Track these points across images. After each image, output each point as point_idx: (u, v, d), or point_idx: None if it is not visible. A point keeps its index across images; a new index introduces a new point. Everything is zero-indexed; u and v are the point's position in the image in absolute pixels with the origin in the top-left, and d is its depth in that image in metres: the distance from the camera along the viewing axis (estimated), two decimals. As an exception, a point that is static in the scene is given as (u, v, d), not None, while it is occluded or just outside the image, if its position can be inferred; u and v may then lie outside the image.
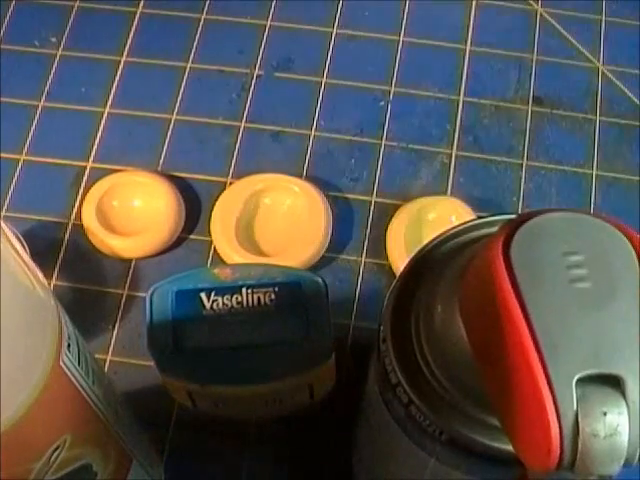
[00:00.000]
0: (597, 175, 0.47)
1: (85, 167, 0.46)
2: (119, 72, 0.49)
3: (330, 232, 0.44)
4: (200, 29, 0.51)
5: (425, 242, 0.26)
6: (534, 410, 0.19)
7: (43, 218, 0.45)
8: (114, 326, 0.42)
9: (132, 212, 0.44)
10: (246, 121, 0.48)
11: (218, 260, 0.43)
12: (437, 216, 0.44)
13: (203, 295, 0.34)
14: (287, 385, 0.35)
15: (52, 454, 0.23)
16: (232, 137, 0.47)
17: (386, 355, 0.25)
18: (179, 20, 0.51)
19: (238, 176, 0.46)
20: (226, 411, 0.37)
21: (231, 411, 0.37)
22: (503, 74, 0.50)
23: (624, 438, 0.19)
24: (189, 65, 0.50)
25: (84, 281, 0.43)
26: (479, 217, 0.27)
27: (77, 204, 0.45)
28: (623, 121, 0.49)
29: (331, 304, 0.34)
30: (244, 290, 0.34)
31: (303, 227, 0.43)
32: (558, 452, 0.18)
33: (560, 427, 0.18)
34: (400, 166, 0.47)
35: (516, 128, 0.48)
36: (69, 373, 0.23)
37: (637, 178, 0.47)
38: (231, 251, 0.42)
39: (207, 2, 0.52)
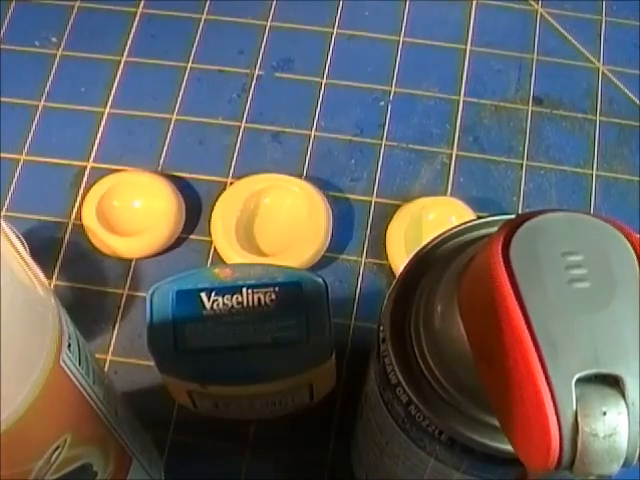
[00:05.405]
0: (597, 175, 0.47)
1: (85, 167, 0.46)
2: (119, 72, 0.49)
3: (330, 232, 0.44)
4: (200, 29, 0.51)
5: (425, 242, 0.26)
6: (533, 410, 0.19)
7: (43, 218, 0.45)
8: (114, 326, 0.42)
9: (132, 212, 0.44)
10: (246, 121, 0.48)
11: (218, 260, 0.43)
12: (437, 216, 0.44)
13: (203, 295, 0.34)
14: (287, 385, 0.35)
15: (52, 454, 0.23)
16: (232, 137, 0.47)
17: (386, 355, 0.25)
18: (179, 20, 0.51)
19: (238, 176, 0.46)
20: (226, 411, 0.37)
21: (231, 411, 0.38)
22: (503, 74, 0.50)
23: (623, 438, 0.19)
24: (189, 65, 0.50)
25: (84, 281, 0.43)
26: (479, 217, 0.27)
27: (77, 204, 0.45)
28: (623, 121, 0.49)
29: (331, 304, 0.34)
30: (244, 290, 0.34)
31: (303, 227, 0.43)
32: (557, 452, 0.18)
33: (559, 427, 0.18)
34: (400, 166, 0.47)
35: (516, 128, 0.48)
36: (69, 372, 0.23)
37: (637, 178, 0.47)
38: (231, 251, 0.42)
39: (207, 2, 0.52)
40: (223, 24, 0.51)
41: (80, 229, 0.44)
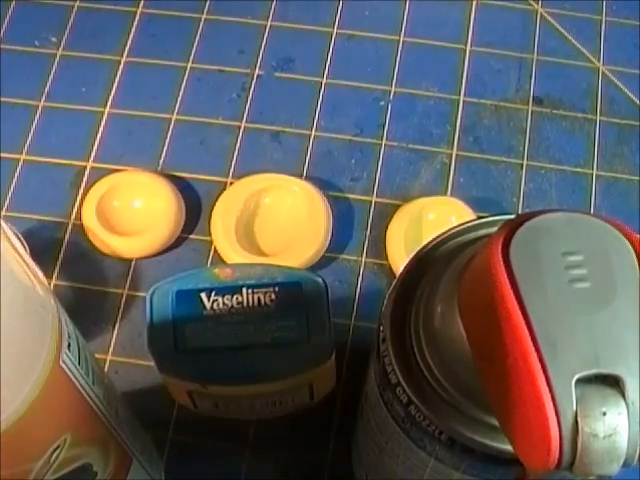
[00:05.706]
0: (597, 175, 0.47)
1: (85, 167, 0.46)
2: (119, 72, 0.49)
3: (330, 232, 0.44)
4: (200, 29, 0.51)
5: (425, 242, 0.26)
6: (533, 410, 0.19)
7: (43, 218, 0.45)
8: (114, 326, 0.42)
9: (132, 212, 0.44)
10: (246, 121, 0.48)
11: (218, 260, 0.43)
12: (437, 216, 0.44)
13: (203, 295, 0.34)
14: (287, 385, 0.35)
15: (52, 454, 0.23)
16: (232, 137, 0.47)
17: (386, 355, 0.25)
18: (179, 20, 0.51)
19: (238, 176, 0.46)
20: (226, 411, 0.37)
21: (231, 411, 0.38)
22: (503, 74, 0.50)
23: (623, 438, 0.19)
24: (189, 65, 0.50)
25: (84, 281, 0.43)
26: (479, 217, 0.27)
27: (77, 204, 0.45)
28: (623, 121, 0.49)
29: (331, 304, 0.34)
30: (244, 290, 0.34)
31: (303, 227, 0.43)
32: (557, 452, 0.18)
33: (559, 427, 0.18)
34: (400, 166, 0.47)
35: (516, 128, 0.48)
36: (69, 372, 0.23)
37: (637, 178, 0.47)
38: (231, 251, 0.42)
39: (207, 2, 0.52)
40: (223, 24, 0.51)
41: (80, 229, 0.44)
